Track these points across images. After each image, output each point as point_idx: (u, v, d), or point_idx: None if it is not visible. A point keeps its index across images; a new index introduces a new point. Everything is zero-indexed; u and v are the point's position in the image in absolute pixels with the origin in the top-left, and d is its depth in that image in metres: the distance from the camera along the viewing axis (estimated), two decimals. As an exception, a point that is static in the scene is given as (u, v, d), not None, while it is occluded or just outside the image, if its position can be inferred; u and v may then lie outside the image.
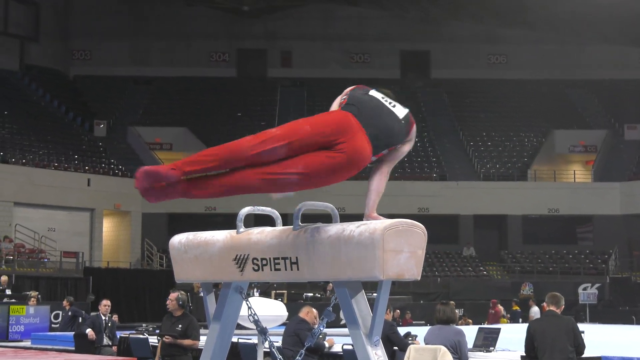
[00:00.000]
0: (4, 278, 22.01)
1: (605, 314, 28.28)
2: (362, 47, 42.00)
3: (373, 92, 4.61)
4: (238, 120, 38.59)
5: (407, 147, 4.55)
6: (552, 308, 8.82)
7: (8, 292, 20.98)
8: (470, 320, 24.68)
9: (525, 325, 14.44)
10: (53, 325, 18.49)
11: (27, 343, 16.41)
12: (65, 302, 18.10)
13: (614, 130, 39.32)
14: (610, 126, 39.47)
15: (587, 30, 40.11)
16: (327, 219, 4.56)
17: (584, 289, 28.99)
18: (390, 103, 4.52)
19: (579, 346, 8.50)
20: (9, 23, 38.96)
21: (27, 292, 20.94)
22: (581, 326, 8.87)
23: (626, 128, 39.04)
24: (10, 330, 17.70)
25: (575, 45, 41.38)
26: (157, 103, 40.16)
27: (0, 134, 33.43)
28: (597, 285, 30.24)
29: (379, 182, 4.54)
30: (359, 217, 4.59)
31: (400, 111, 4.48)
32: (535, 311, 21.97)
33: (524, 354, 8.96)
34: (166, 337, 10.99)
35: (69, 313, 17.18)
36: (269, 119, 38.99)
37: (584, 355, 8.67)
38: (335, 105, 4.62)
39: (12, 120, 35.06)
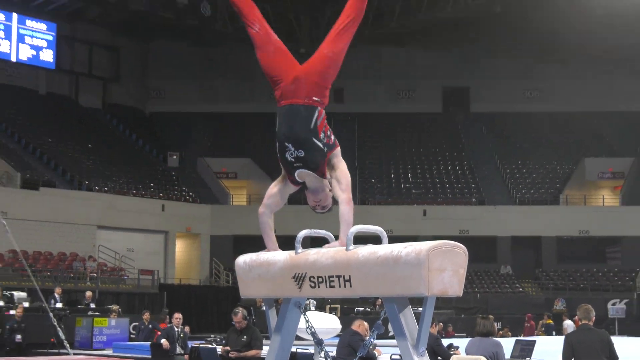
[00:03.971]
0: (89, 293, 22.29)
1: (633, 327, 27.81)
2: (408, 83, 41.97)
3: None
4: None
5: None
6: (585, 321, 8.72)
7: (92, 306, 21.23)
8: (509, 333, 24.44)
9: (559, 338, 14.23)
10: (132, 336, 18.65)
11: (109, 352, 16.58)
12: (146, 315, 18.27)
13: (640, 158, 38.78)
14: (636, 154, 38.88)
15: (618, 65, 39.72)
16: (376, 240, 4.57)
17: (613, 304, 28.54)
18: None
19: (614, 357, 8.40)
20: (93, 66, 39.63)
21: (109, 306, 21.17)
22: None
23: (651, 155, 38.53)
24: (94, 340, 17.89)
25: (605, 80, 40.90)
26: (223, 136, 40.47)
27: (86, 165, 33.97)
28: (625, 300, 29.77)
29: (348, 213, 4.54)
30: (405, 239, 4.59)
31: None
32: (568, 324, 21.65)
33: (560, 364, 8.82)
34: (232, 352, 11.06)
35: (149, 325, 17.33)
36: (323, 150, 38.97)
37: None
38: None
39: (96, 153, 35.61)
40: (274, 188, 4.80)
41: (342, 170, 4.63)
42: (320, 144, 4.64)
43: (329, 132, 4.73)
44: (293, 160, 4.61)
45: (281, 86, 4.84)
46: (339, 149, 4.75)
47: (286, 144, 4.63)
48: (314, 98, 4.70)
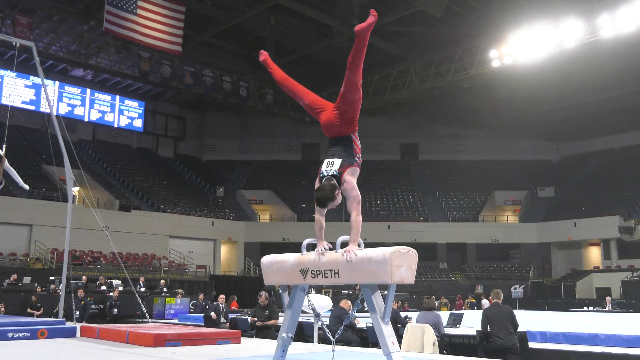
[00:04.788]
0: (162, 281, 22.19)
1: (528, 304, 27.68)
2: (377, 141, 42.05)
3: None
4: (302, 186, 38.82)
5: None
6: (496, 300, 8.66)
7: (165, 289, 21.10)
8: (448, 304, 24.28)
9: (479, 311, 14.11)
10: (191, 310, 18.50)
11: (176, 321, 16.43)
12: (200, 296, 18.14)
13: (531, 191, 38.83)
14: (529, 188, 38.99)
15: (515, 130, 39.97)
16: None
17: (515, 288, 28.39)
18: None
19: (515, 325, 8.34)
20: (168, 129, 39.85)
21: (176, 290, 21.07)
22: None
23: (538, 190, 38.59)
24: (166, 313, 17.78)
25: (507, 140, 41.15)
26: (254, 176, 40.53)
27: (162, 195, 33.96)
28: (522, 286, 29.63)
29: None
30: (375, 245, 4.54)
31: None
32: (485, 302, 21.45)
33: (480, 329, 8.75)
34: (258, 322, 10.98)
35: (203, 303, 17.20)
36: (321, 185, 39.12)
37: (517, 330, 8.47)
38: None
39: (169, 187, 35.63)
40: None
41: None
42: None
43: None
44: None
45: None
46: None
47: None
48: None
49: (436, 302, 13.13)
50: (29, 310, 16.73)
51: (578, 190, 37.12)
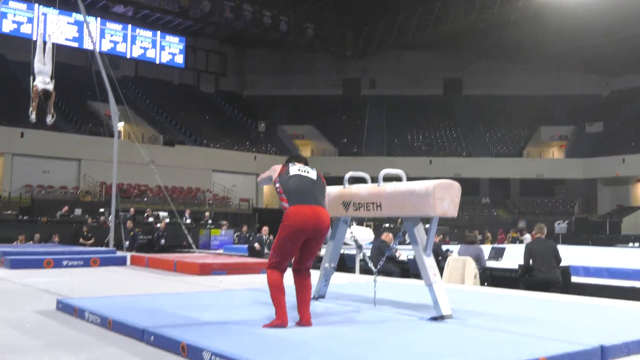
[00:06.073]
0: (207, 214, 22.66)
1: (571, 239, 27.38)
2: (419, 75, 41.25)
3: (294, 170, 4.11)
4: (343, 121, 38.67)
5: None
6: (539, 235, 8.59)
7: (209, 222, 21.58)
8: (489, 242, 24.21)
9: (521, 246, 14.06)
10: (235, 241, 18.95)
11: (221, 251, 16.88)
12: (244, 228, 18.52)
13: (579, 126, 37.80)
14: (576, 124, 37.94)
15: (563, 64, 38.56)
16: (398, 179, 4.51)
17: (558, 223, 28.09)
18: (306, 172, 4.14)
19: (558, 259, 8.29)
20: (209, 65, 39.81)
21: (221, 222, 21.51)
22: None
23: (586, 125, 37.51)
24: (211, 244, 18.29)
25: (555, 74, 39.80)
26: (295, 111, 40.45)
27: (205, 131, 34.30)
28: (566, 221, 29.31)
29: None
30: (416, 178, 4.51)
31: (313, 174, 4.19)
32: (527, 237, 21.36)
33: (522, 264, 8.73)
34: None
35: (247, 235, 17.56)
36: (361, 120, 38.90)
37: (560, 264, 8.43)
38: (276, 169, 4.20)
39: (211, 123, 35.92)
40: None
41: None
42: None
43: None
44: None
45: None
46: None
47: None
48: None
49: (479, 236, 13.13)
50: (80, 240, 17.42)
51: (628, 126, 35.89)
